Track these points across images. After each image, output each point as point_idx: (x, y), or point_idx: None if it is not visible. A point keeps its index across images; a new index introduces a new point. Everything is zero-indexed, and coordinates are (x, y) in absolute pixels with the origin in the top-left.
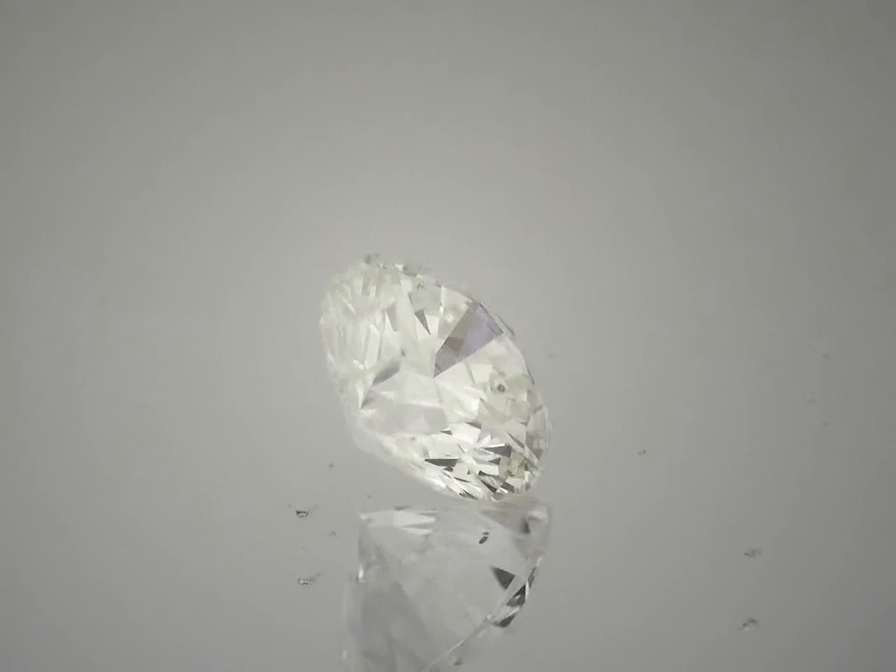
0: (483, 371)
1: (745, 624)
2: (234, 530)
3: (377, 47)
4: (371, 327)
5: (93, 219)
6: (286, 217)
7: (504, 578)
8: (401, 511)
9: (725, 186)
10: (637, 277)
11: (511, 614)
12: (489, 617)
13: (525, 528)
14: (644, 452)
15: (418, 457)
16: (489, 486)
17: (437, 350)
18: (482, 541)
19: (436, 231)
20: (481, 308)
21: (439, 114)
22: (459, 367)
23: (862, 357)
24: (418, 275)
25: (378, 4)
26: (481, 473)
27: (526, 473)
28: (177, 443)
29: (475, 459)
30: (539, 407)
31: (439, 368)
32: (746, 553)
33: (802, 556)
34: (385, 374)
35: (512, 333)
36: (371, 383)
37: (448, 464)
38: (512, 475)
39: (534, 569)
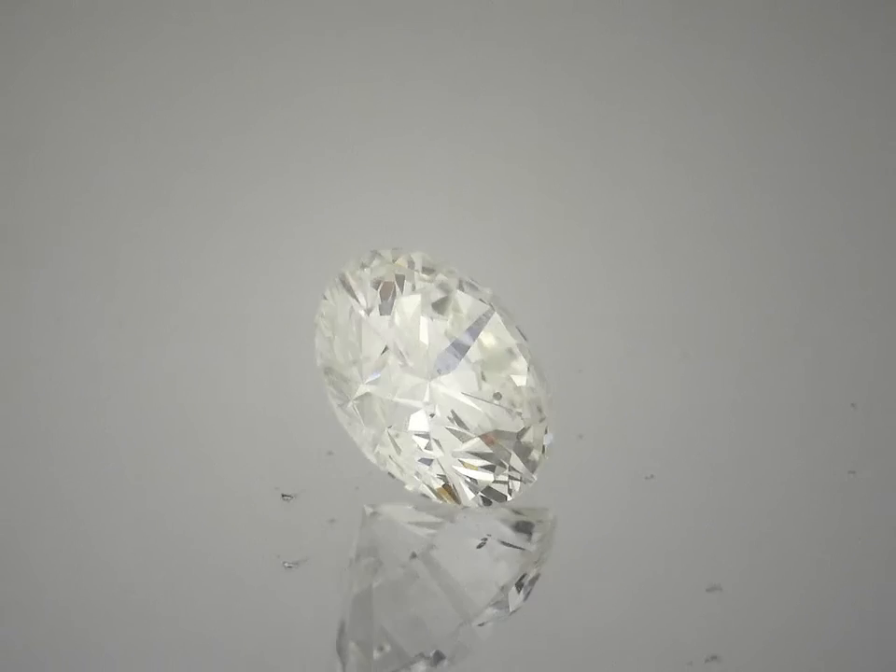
0: (481, 378)
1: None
2: (230, 513)
3: (387, 44)
4: (372, 321)
5: (96, 219)
6: (289, 215)
7: (498, 583)
8: (406, 509)
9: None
10: (663, 314)
11: (499, 618)
12: (477, 620)
13: (529, 537)
14: (652, 476)
15: (395, 454)
16: (472, 490)
17: (438, 352)
18: (479, 546)
19: (459, 234)
20: (497, 314)
21: (454, 113)
22: (459, 372)
23: (890, 407)
24: (440, 275)
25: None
26: (471, 479)
27: (517, 484)
28: (184, 431)
29: (460, 461)
30: (542, 419)
31: (438, 371)
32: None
33: (824, 607)
34: (376, 369)
35: (525, 340)
36: (362, 377)
37: (425, 463)
38: (501, 482)
39: (526, 576)
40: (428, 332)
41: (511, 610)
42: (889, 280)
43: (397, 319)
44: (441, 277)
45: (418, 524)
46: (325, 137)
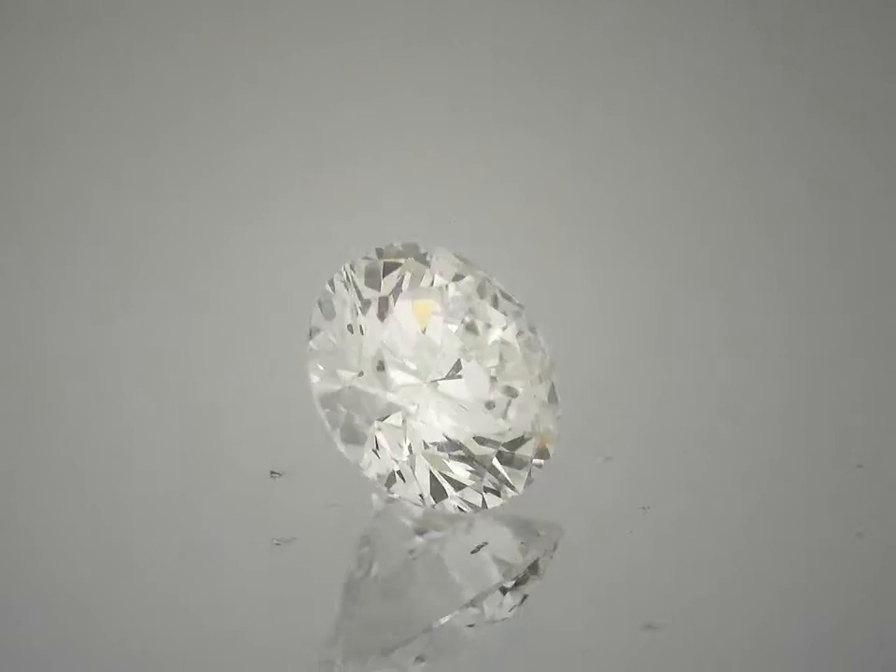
0: (482, 387)
1: None
2: (229, 494)
3: (389, 39)
4: (372, 319)
5: (93, 218)
6: (289, 211)
7: (486, 587)
8: (410, 506)
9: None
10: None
11: (483, 620)
12: (461, 620)
13: (526, 547)
14: (647, 508)
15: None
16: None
17: (441, 358)
18: (474, 551)
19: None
20: (519, 325)
21: (462, 109)
22: (462, 380)
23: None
24: (467, 277)
25: None
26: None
27: (501, 493)
28: (187, 415)
29: (445, 462)
30: (533, 434)
31: (439, 374)
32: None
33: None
34: (377, 368)
35: (546, 354)
36: (361, 373)
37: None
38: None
39: (520, 584)
40: (439, 334)
41: (496, 615)
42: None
43: (401, 318)
44: (467, 280)
45: (418, 521)
46: (325, 133)
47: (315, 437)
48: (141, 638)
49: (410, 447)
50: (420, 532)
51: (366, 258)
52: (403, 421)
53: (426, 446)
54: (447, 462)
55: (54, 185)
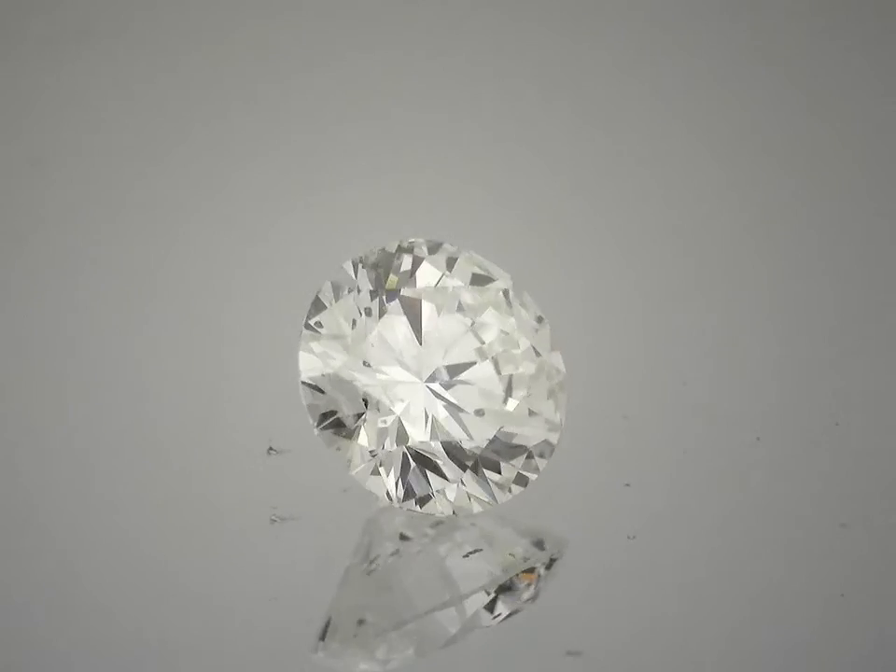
0: (482, 393)
1: None
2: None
3: (390, 34)
4: (378, 311)
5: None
6: (293, 210)
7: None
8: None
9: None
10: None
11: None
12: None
13: (524, 560)
14: (633, 537)
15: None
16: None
17: (441, 359)
18: (466, 555)
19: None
20: (543, 335)
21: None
22: (462, 383)
23: (879, 528)
24: (497, 282)
25: None
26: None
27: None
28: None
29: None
30: (519, 446)
31: (439, 374)
32: None
33: None
34: (373, 360)
35: (559, 373)
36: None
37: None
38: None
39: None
40: (451, 332)
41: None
42: (879, 405)
43: (406, 313)
44: (489, 287)
45: (416, 519)
46: (327, 130)
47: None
48: (137, 614)
49: (394, 443)
50: (403, 537)
51: (383, 249)
52: (389, 416)
53: (410, 443)
54: (431, 460)
55: (54, 194)
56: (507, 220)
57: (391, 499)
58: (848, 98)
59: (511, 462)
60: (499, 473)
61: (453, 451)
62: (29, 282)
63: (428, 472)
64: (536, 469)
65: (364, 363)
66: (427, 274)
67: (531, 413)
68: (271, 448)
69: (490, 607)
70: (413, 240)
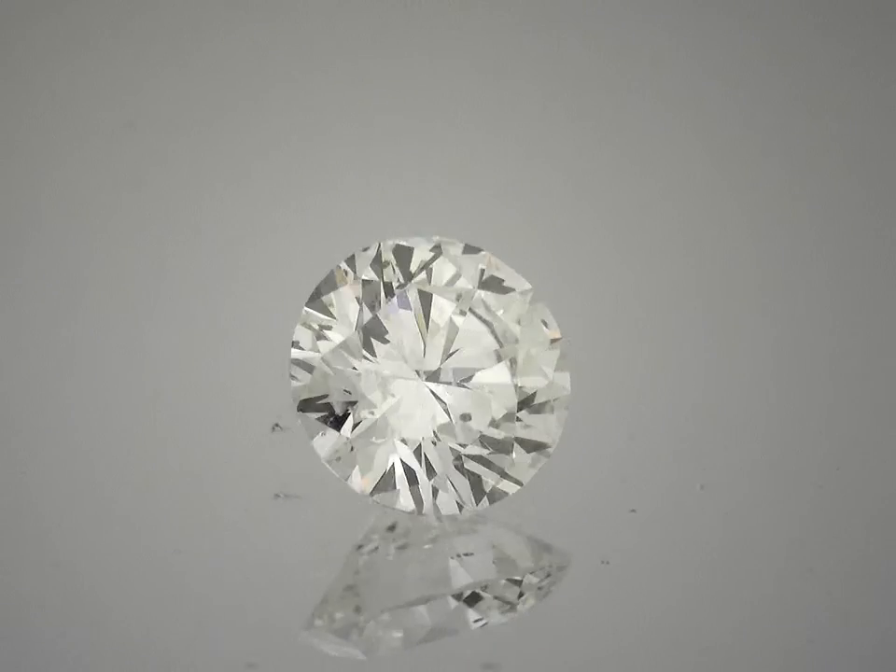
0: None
1: None
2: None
3: (391, 31)
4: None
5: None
6: (293, 208)
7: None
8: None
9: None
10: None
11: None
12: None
13: (519, 567)
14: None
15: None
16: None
17: (441, 360)
18: (455, 556)
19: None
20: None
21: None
22: (461, 386)
23: (867, 599)
24: (516, 290)
25: None
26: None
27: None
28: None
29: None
30: (510, 450)
31: (435, 378)
32: None
33: None
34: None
35: (566, 391)
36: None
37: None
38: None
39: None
40: (460, 333)
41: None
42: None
43: (415, 309)
44: (513, 294)
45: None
46: (327, 127)
47: None
48: (137, 592)
49: (384, 435)
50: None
51: (400, 243)
52: (380, 409)
53: (398, 438)
54: (418, 459)
55: (39, 183)
56: (522, 224)
57: (368, 494)
58: (853, 103)
59: (502, 467)
60: (488, 477)
61: (442, 451)
62: (29, 280)
63: (416, 471)
64: (525, 476)
65: (363, 353)
66: (444, 272)
67: (526, 425)
68: (276, 425)
69: (479, 610)
70: (436, 237)
